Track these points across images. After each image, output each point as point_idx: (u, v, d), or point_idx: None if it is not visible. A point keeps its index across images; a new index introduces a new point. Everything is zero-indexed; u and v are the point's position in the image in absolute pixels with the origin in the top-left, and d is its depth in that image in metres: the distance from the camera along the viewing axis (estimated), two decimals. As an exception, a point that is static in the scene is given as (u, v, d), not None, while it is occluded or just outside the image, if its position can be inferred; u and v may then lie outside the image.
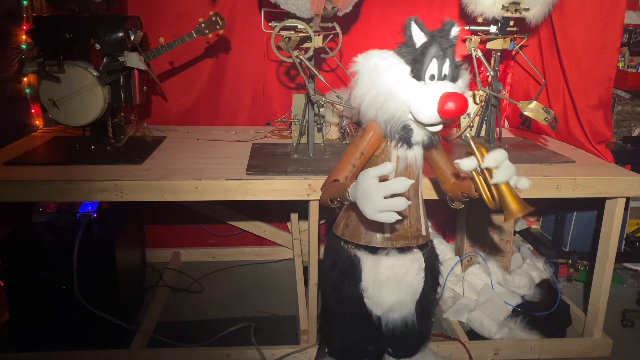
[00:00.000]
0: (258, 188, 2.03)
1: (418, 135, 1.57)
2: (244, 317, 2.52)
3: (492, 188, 1.40)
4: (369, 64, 1.51)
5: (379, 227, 1.66)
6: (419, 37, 1.50)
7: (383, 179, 1.34)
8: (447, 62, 1.51)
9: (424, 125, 1.52)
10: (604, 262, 2.25)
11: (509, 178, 1.39)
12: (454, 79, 1.54)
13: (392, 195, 1.31)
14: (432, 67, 1.49)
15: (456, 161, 1.45)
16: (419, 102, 1.47)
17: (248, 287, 2.86)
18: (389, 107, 1.49)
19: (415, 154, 1.62)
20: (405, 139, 1.56)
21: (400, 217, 1.31)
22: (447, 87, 1.47)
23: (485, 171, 1.40)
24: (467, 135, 1.45)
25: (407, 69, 1.50)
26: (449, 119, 1.46)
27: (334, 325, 1.84)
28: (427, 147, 1.63)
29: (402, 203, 1.29)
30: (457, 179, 1.69)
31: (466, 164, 1.42)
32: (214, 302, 2.68)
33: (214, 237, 3.18)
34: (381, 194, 1.30)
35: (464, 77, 1.59)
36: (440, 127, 1.53)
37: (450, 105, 1.42)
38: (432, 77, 1.50)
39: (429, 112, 1.46)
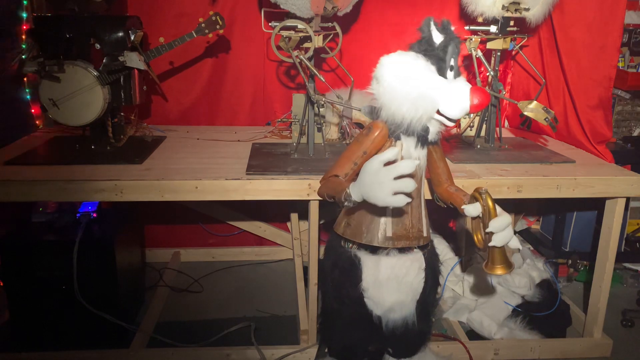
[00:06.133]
0: (258, 188, 2.03)
1: (434, 132, 1.63)
2: (244, 317, 2.52)
3: (486, 237, 1.52)
4: (401, 67, 1.53)
5: (381, 226, 1.66)
6: (437, 37, 1.58)
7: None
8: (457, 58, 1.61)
9: (451, 120, 1.57)
10: (604, 262, 2.25)
11: (506, 243, 1.49)
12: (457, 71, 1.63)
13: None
14: (451, 63, 1.57)
15: (463, 206, 1.57)
16: (451, 98, 1.54)
17: (248, 287, 2.86)
18: (423, 105, 1.52)
19: (419, 154, 1.63)
20: (424, 137, 1.61)
21: (410, 200, 1.35)
22: (466, 82, 1.57)
23: (489, 235, 1.50)
24: (486, 190, 1.53)
25: (433, 68, 1.55)
26: (475, 112, 1.58)
27: (334, 325, 1.84)
28: (433, 143, 1.67)
29: (411, 184, 1.33)
30: (450, 186, 1.75)
31: (470, 211, 1.54)
32: (214, 302, 2.68)
33: (214, 237, 3.18)
34: (391, 175, 1.33)
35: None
36: (455, 122, 1.61)
37: (479, 98, 1.53)
38: (451, 68, 1.57)
39: (460, 106, 1.53)
